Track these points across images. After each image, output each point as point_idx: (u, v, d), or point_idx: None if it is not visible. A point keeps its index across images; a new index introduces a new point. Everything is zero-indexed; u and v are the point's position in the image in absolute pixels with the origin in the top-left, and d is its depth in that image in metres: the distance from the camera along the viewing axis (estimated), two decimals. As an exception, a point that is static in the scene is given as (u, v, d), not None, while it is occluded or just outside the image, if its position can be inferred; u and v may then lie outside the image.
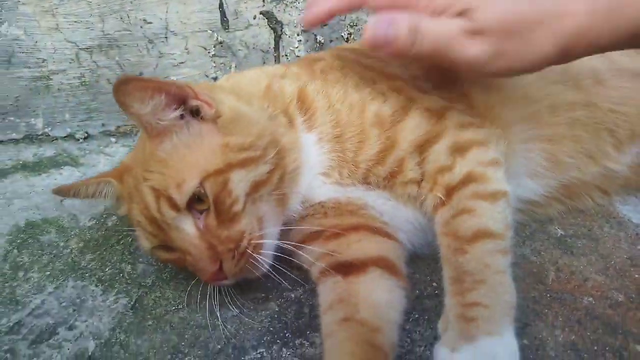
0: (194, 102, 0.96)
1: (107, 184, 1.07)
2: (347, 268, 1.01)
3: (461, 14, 0.84)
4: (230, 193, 0.92)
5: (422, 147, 1.04)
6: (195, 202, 0.93)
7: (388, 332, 0.92)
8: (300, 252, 1.03)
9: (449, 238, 0.95)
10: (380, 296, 0.98)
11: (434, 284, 1.08)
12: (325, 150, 1.06)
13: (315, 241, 1.07)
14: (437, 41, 0.85)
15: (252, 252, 0.95)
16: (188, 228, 0.93)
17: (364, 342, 0.89)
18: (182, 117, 0.96)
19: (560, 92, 1.20)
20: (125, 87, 0.88)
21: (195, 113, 0.97)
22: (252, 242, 0.95)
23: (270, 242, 1.00)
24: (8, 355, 0.96)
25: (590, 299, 1.03)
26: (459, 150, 1.03)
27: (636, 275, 1.08)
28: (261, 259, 0.97)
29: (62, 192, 1.11)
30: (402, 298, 1.00)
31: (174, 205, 0.91)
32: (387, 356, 0.89)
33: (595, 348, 0.93)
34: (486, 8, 0.83)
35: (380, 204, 1.09)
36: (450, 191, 1.00)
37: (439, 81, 1.15)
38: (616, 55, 1.25)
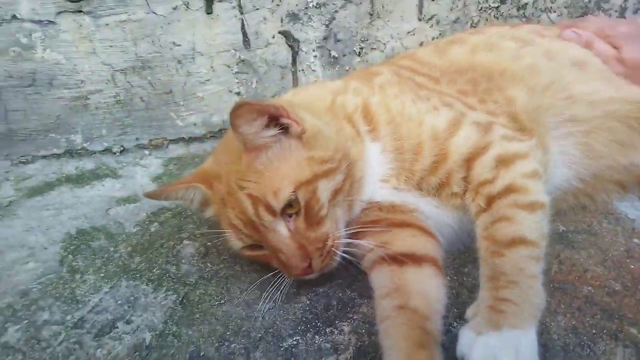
0: (285, 121, 1.09)
1: (194, 189, 1.20)
2: (402, 259, 1.13)
3: (616, 47, 1.46)
4: (318, 200, 1.08)
5: (469, 161, 1.16)
6: (286, 207, 1.07)
7: (436, 321, 1.04)
8: (358, 242, 1.16)
9: (488, 242, 1.06)
10: (430, 290, 1.10)
11: (447, 277, 1.18)
12: (387, 159, 1.20)
13: (376, 226, 1.19)
14: (601, 55, 1.46)
15: (335, 250, 1.11)
16: (282, 230, 1.08)
17: (417, 327, 1.00)
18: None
19: (600, 88, 1.36)
20: (239, 110, 1.01)
21: (285, 129, 1.10)
22: (335, 242, 1.11)
23: (343, 241, 1.15)
24: (76, 346, 1.08)
25: (590, 288, 1.14)
26: (503, 162, 1.15)
27: (632, 266, 1.19)
28: (339, 254, 1.13)
29: (154, 196, 1.28)
30: (445, 295, 1.12)
31: (271, 211, 1.05)
32: (436, 341, 1.00)
33: (594, 331, 1.03)
34: (628, 51, 1.45)
35: (429, 210, 1.22)
36: (490, 200, 1.12)
37: (484, 93, 1.32)
38: None
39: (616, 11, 2.18)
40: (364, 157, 1.20)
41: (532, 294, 0.98)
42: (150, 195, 1.27)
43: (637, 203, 1.41)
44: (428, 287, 1.10)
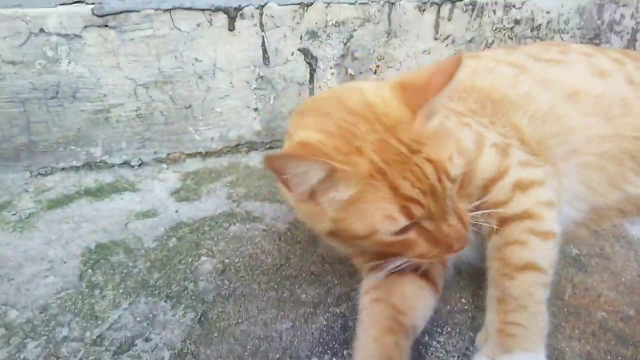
0: None
1: (324, 166, 0.92)
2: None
3: None
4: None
5: (487, 184, 1.16)
6: None
7: (412, 317, 1.07)
8: None
9: (499, 263, 1.08)
10: (412, 290, 1.13)
11: (463, 300, 1.22)
12: None
13: None
14: None
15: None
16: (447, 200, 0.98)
17: (390, 317, 1.05)
18: None
19: (593, 124, 1.35)
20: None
21: None
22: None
23: None
24: (96, 363, 1.10)
25: (604, 313, 1.15)
26: (521, 187, 1.16)
27: (645, 291, 1.20)
28: None
29: (273, 161, 0.94)
30: (430, 297, 1.15)
31: (449, 177, 0.96)
32: (407, 333, 1.04)
33: (609, 357, 1.05)
34: None
35: None
36: (502, 222, 1.13)
37: (492, 115, 1.31)
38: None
39: (628, 33, 2.20)
40: None
41: (539, 318, 1.01)
42: (271, 161, 0.94)
43: (649, 227, 1.43)
44: (408, 288, 1.12)
